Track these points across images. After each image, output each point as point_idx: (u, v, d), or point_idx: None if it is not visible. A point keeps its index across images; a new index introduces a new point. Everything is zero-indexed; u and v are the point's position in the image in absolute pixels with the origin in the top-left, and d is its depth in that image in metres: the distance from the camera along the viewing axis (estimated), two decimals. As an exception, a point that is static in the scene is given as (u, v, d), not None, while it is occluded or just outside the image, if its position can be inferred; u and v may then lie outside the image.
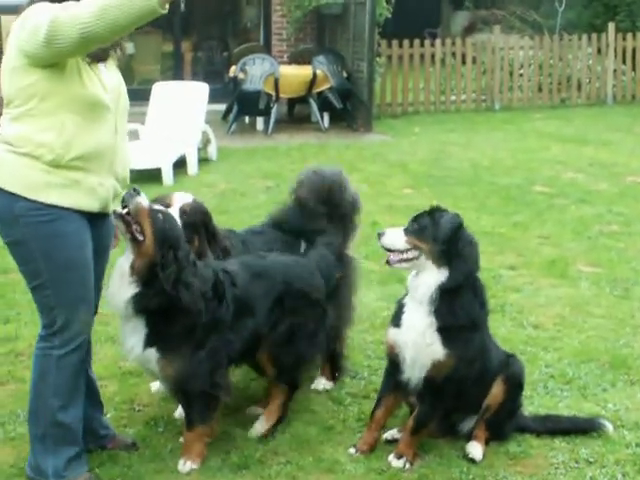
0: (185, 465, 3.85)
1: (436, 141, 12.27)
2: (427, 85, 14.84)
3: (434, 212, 3.94)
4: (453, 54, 15.03)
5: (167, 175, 9.52)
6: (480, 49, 15.30)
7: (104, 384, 4.70)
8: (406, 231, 3.91)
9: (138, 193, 3.71)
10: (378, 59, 13.86)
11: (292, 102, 14.05)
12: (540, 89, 15.50)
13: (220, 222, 7.91)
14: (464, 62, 15.03)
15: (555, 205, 8.65)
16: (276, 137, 12.65)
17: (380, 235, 3.94)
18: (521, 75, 15.39)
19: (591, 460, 3.96)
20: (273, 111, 12.85)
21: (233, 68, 13.28)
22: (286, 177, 9.86)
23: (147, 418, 4.33)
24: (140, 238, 3.68)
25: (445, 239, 3.82)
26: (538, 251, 7.12)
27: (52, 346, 3.61)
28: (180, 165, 9.93)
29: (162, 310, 3.73)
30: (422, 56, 14.80)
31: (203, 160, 10.52)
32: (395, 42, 14.41)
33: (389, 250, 3.91)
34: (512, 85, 15.34)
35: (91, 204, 3.58)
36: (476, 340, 3.91)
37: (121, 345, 3.99)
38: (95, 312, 3.85)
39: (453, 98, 15.06)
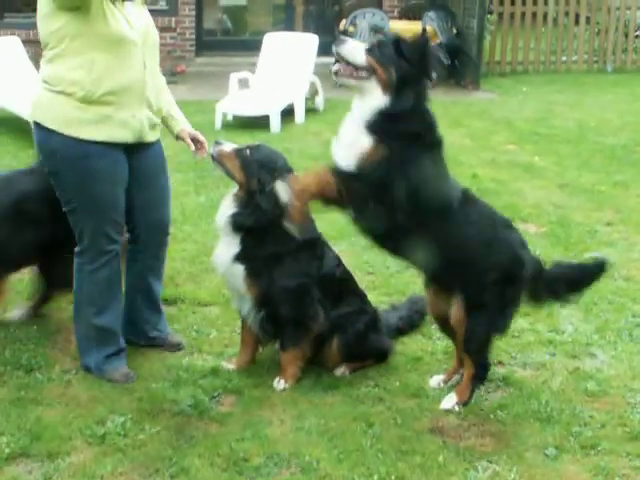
0: (279, 383, 4.15)
1: (543, 100, 12.22)
2: (538, 44, 14.71)
3: (399, 42, 3.76)
4: (566, 13, 14.82)
5: (275, 122, 9.82)
6: (595, 9, 15.04)
7: (209, 309, 5.08)
8: (368, 51, 3.76)
9: (220, 143, 4.18)
10: (489, 16, 13.80)
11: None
12: (656, 51, 15.18)
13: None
14: (577, 22, 14.82)
15: (659, 167, 8.60)
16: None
17: (340, 41, 3.79)
18: (637, 37, 15.09)
19: (669, 403, 4.09)
20: (381, 65, 12.97)
21: (343, 21, 13.46)
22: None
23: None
24: (233, 175, 4.11)
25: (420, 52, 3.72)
26: (636, 209, 7.14)
27: (83, 262, 4.09)
28: (288, 114, 10.21)
29: (256, 231, 4.06)
30: (534, 14, 14.66)
31: (310, 110, 10.76)
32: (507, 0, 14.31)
33: (341, 61, 3.77)
34: (626, 47, 15.05)
35: (124, 136, 3.94)
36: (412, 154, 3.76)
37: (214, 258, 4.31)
38: (166, 233, 4.37)
39: (564, 59, 14.89)
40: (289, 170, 4.13)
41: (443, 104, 11.77)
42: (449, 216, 3.88)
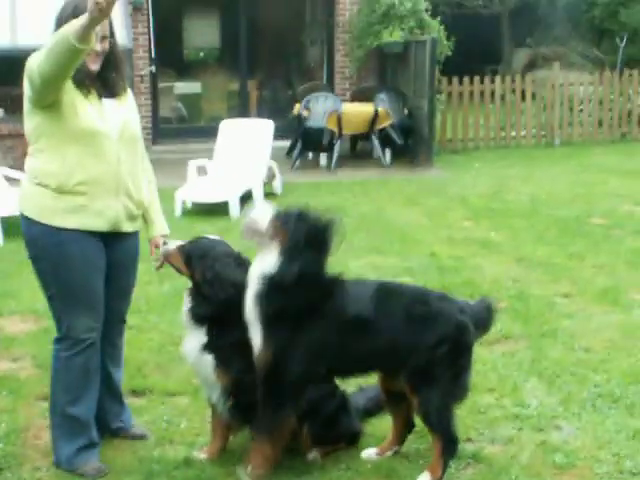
0: (245, 470, 4.11)
1: (496, 176, 12.53)
2: (487, 121, 15.14)
3: (306, 214, 4.00)
4: (513, 90, 15.30)
5: (234, 208, 9.95)
6: (540, 85, 15.55)
7: (178, 399, 5.09)
8: (276, 215, 3.98)
9: (165, 243, 4.34)
10: (438, 96, 14.20)
11: (354, 138, 14.47)
12: (600, 124, 15.66)
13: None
14: (524, 98, 15.29)
15: (611, 236, 8.83)
16: (339, 173, 13.05)
17: (249, 213, 4.03)
18: (581, 110, 15.59)
19: (634, 472, 4.18)
20: (336, 147, 13.27)
21: (297, 106, 13.76)
22: (349, 210, 10.25)
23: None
24: (180, 270, 4.26)
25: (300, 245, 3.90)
26: (592, 280, 7.32)
27: (60, 348, 4.18)
28: (247, 199, 10.35)
29: (217, 320, 4.14)
30: (482, 93, 15.11)
31: (268, 194, 10.93)
32: (455, 79, 14.75)
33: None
34: (572, 120, 15.53)
35: (99, 224, 4.09)
36: (302, 332, 3.94)
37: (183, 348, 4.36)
38: (124, 322, 4.48)
39: (513, 134, 15.31)
40: (229, 255, 4.23)
41: (398, 183, 12.10)
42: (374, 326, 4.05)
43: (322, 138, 13.16)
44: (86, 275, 4.10)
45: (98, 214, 4.06)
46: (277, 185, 11.22)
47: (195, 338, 4.24)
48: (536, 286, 7.18)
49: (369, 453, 4.38)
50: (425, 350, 4.01)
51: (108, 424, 4.51)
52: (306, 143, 13.33)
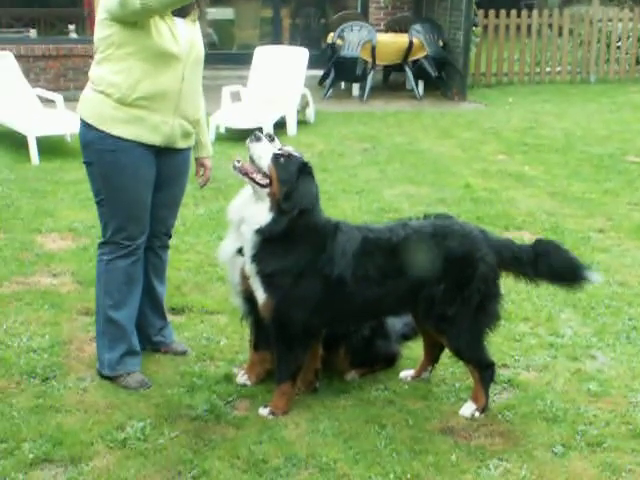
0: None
1: (530, 111, 12.41)
2: (522, 56, 14.93)
3: (305, 170, 3.94)
4: (550, 25, 15.06)
5: (268, 135, 9.93)
6: (577, 21, 15.29)
7: (216, 317, 5.18)
8: (275, 158, 3.91)
9: (259, 139, 4.06)
10: (474, 29, 14.00)
11: (387, 69, 14.34)
12: (638, 62, 15.42)
13: (320, 180, 8.38)
14: (560, 34, 15.05)
15: (646, 174, 8.78)
16: (371, 103, 12.96)
17: (256, 138, 3.92)
18: (618, 48, 15.33)
19: (669, 402, 4.24)
20: (369, 78, 13.16)
21: (331, 35, 13.63)
22: (382, 140, 10.24)
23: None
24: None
25: (293, 207, 3.86)
26: (627, 216, 7.30)
27: (103, 252, 4.31)
28: (280, 126, 10.33)
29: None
30: (518, 27, 14.88)
31: (301, 122, 10.90)
32: (492, 12, 14.53)
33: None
34: (609, 58, 15.30)
35: (153, 139, 4.17)
36: (300, 285, 3.91)
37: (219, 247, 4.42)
38: (169, 235, 4.57)
39: (548, 70, 15.11)
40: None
41: (432, 115, 12.01)
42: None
43: (355, 68, 13.04)
44: (135, 185, 4.18)
45: (154, 128, 4.14)
46: (310, 113, 11.18)
47: (233, 240, 4.26)
48: (571, 220, 7.18)
49: (406, 375, 4.45)
50: (439, 287, 4.01)
51: (150, 337, 4.61)
52: (339, 73, 13.23)
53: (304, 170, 3.99)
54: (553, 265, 4.10)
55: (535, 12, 15.00)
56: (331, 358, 4.36)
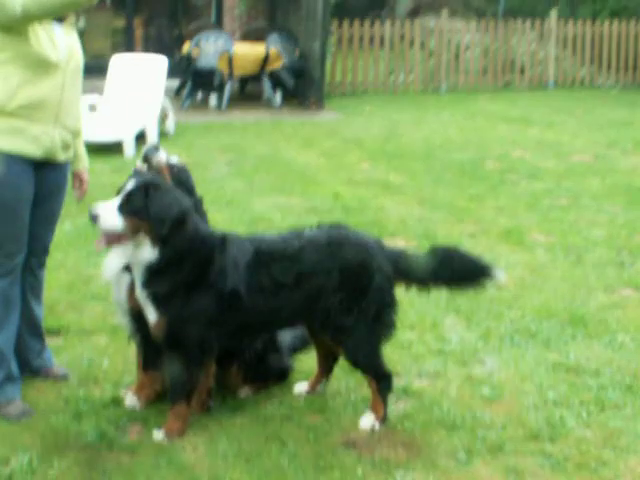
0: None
1: (387, 119, 12.59)
2: (376, 66, 15.17)
3: (148, 188, 3.73)
4: (402, 37, 15.37)
5: (129, 147, 9.66)
6: (427, 32, 15.67)
7: (95, 337, 4.94)
8: (122, 210, 3.71)
9: (157, 149, 3.96)
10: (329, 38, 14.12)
11: (244, 80, 14.24)
12: (485, 72, 15.95)
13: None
14: (412, 45, 15.38)
15: (507, 180, 9.03)
16: (230, 113, 12.84)
17: (95, 217, 3.70)
18: (466, 60, 15.83)
19: (558, 402, 4.31)
20: (227, 88, 13.04)
21: (187, 44, 13.42)
22: (246, 151, 10.14)
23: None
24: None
25: (170, 223, 3.70)
26: (495, 221, 7.48)
27: None
28: (139, 139, 10.05)
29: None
30: (371, 38, 15.11)
31: (161, 134, 10.65)
32: (346, 22, 14.69)
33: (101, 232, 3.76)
34: (458, 68, 15.75)
35: (33, 151, 3.94)
36: (192, 300, 3.78)
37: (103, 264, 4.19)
38: (46, 252, 4.31)
39: (401, 79, 15.41)
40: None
41: (292, 125, 12.01)
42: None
43: (213, 78, 12.90)
44: (15, 202, 3.93)
45: (34, 140, 3.91)
46: (170, 125, 10.94)
47: (117, 257, 4.07)
48: (441, 226, 7.28)
49: (300, 388, 4.36)
50: (335, 297, 3.94)
51: (29, 361, 4.32)
52: (196, 83, 13.04)
53: (148, 191, 3.74)
54: (456, 269, 4.12)
55: (388, 22, 15.28)
56: (223, 375, 4.21)
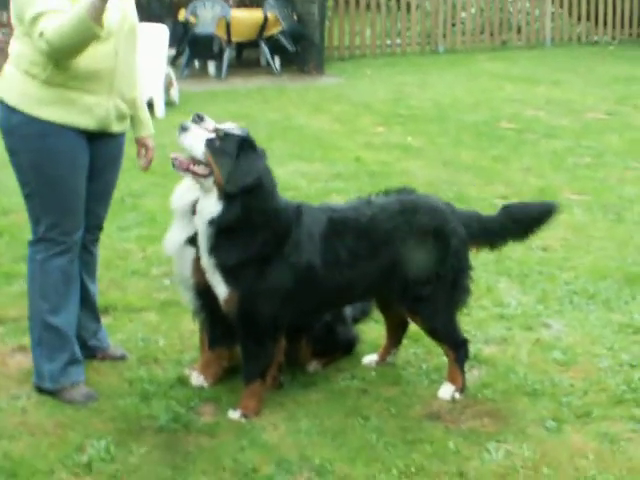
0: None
1: (391, 82, 12.38)
2: (373, 29, 14.93)
3: (246, 146, 3.56)
4: (398, 1, 15.14)
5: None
6: (424, -7, 15.45)
7: (145, 315, 4.76)
8: (210, 143, 3.55)
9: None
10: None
11: (240, 46, 13.95)
12: (482, 31, 15.74)
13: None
14: (408, 6, 15.15)
15: (526, 140, 8.88)
16: (231, 81, 12.59)
17: (183, 129, 3.57)
18: (463, 21, 15.61)
19: (634, 364, 4.19)
20: (226, 55, 12.78)
21: (182, 11, 13.11)
22: (255, 118, 9.91)
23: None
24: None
25: (241, 187, 3.52)
26: (525, 181, 7.33)
27: (37, 250, 3.82)
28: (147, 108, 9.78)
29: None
30: (368, 1, 14.87)
31: (167, 104, 10.38)
32: (342, -15, 14.44)
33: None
34: (455, 28, 15.53)
35: (86, 122, 3.73)
36: (266, 275, 3.60)
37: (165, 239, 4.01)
38: (100, 228, 4.11)
39: (398, 42, 15.19)
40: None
41: (296, 90, 11.79)
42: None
43: (212, 45, 12.64)
44: (71, 174, 3.75)
45: (87, 110, 3.70)
46: (175, 94, 10.69)
47: (180, 231, 3.90)
48: (472, 189, 7.13)
49: (370, 360, 4.21)
50: (412, 265, 3.78)
51: (85, 342, 4.12)
52: (195, 51, 12.77)
53: (243, 147, 3.58)
54: (527, 222, 4.00)
55: (384, -16, 15.04)
56: (292, 349, 4.04)
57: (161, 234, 5.87)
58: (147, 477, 3.28)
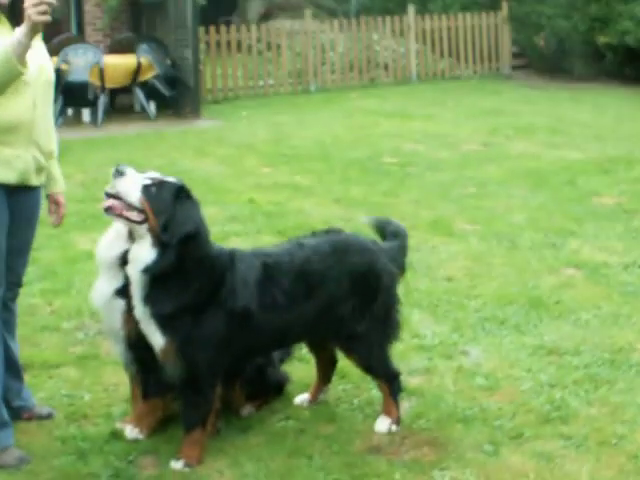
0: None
1: (268, 122, 12.49)
2: (245, 71, 15.07)
3: (183, 195, 3.61)
4: (269, 44, 15.34)
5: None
6: (293, 34, 15.69)
7: (64, 370, 4.65)
8: (145, 189, 3.55)
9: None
10: (198, 45, 13.89)
11: (113, 92, 13.79)
12: (351, 69, 16.11)
13: (97, 210, 7.82)
14: (269, 48, 15.39)
15: (410, 173, 9.13)
16: (107, 128, 12.42)
17: (119, 173, 3.54)
18: (332, 59, 15.95)
19: (553, 384, 4.37)
20: (100, 101, 12.60)
21: (54, 60, 12.87)
22: (140, 164, 9.68)
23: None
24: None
25: (179, 237, 3.53)
26: (417, 214, 7.54)
27: None
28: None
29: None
30: (239, 43, 15.00)
31: (46, 153, 10.16)
32: (212, 28, 14.52)
33: (115, 197, 3.57)
34: (324, 67, 15.85)
35: (7, 176, 3.68)
36: (203, 322, 3.60)
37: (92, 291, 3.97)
38: (20, 285, 4.03)
39: (271, 82, 15.38)
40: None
41: (176, 135, 11.76)
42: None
43: (86, 92, 12.43)
44: None
45: (6, 164, 3.64)
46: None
47: (108, 283, 3.85)
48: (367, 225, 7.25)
49: (302, 399, 4.24)
50: (347, 304, 3.86)
51: (9, 403, 3.96)
52: (69, 99, 12.51)
53: (180, 195, 3.63)
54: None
55: (254, 27, 15.22)
56: (226, 394, 4.03)
57: (64, 287, 5.89)
58: (99, 537, 3.20)
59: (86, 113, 12.86)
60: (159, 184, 3.59)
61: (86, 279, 5.91)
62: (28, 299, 5.62)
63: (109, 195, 3.59)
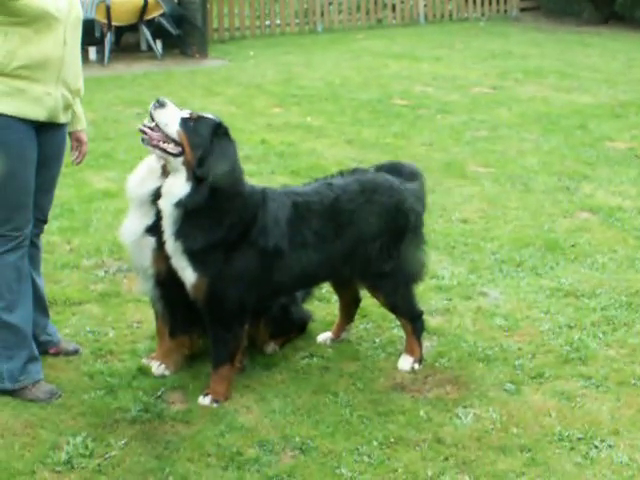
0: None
1: (276, 63, 12.40)
2: (252, 10, 14.90)
3: (221, 132, 3.63)
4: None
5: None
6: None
7: (87, 307, 4.70)
8: (184, 122, 3.58)
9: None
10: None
11: (119, 31, 13.65)
12: (358, 10, 15.94)
13: (109, 149, 7.81)
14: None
15: (421, 116, 9.10)
16: (114, 67, 12.32)
17: (160, 104, 3.59)
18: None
19: (571, 325, 4.43)
20: (107, 40, 12.48)
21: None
22: (149, 103, 9.74)
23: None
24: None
25: (211, 174, 3.53)
26: (430, 156, 7.54)
27: None
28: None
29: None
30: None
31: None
32: (219, -34, 14.33)
33: (151, 129, 3.58)
34: (332, 7, 15.67)
35: (37, 113, 3.67)
36: (234, 259, 3.63)
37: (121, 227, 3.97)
38: (45, 221, 4.04)
39: (278, 22, 15.22)
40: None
41: (184, 74, 11.68)
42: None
43: (93, 30, 12.29)
44: (22, 168, 3.67)
45: (36, 101, 3.63)
46: (61, 81, 10.40)
47: (138, 220, 3.86)
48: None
49: (325, 337, 4.29)
50: (375, 244, 3.90)
51: (36, 338, 4.01)
52: (75, 36, 12.40)
53: (218, 132, 3.64)
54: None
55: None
56: (250, 332, 4.08)
57: (82, 225, 5.91)
58: (132, 469, 3.27)
59: (92, 51, 12.76)
60: (198, 119, 3.60)
61: (103, 218, 5.98)
62: (47, 237, 5.58)
63: (146, 127, 3.59)
